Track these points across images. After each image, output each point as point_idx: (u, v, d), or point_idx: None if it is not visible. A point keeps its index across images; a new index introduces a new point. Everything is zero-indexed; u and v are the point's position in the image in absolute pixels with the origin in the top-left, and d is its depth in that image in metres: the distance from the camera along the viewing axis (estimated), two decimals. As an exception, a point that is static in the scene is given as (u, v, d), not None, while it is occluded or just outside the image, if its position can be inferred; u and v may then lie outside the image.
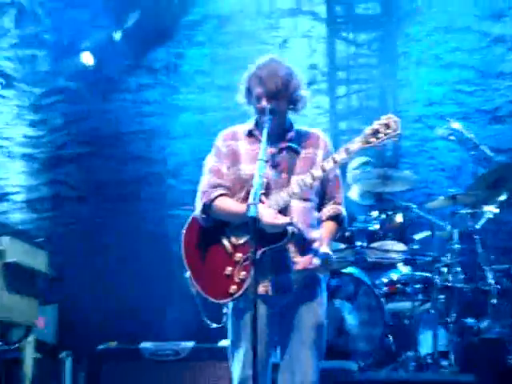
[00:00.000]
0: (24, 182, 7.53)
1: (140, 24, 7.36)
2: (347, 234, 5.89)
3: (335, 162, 3.58)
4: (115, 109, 7.61)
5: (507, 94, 7.18)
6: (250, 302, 3.34)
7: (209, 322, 3.92)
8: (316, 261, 3.59)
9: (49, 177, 7.59)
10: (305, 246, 3.65)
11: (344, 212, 3.83)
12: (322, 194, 3.79)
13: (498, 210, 5.55)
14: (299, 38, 7.56)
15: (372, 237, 6.03)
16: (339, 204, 3.82)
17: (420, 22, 7.42)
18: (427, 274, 5.73)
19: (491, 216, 5.57)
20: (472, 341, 5.25)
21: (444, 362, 5.31)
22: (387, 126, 3.54)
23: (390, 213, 6.08)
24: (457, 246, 5.58)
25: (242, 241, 3.63)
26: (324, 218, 3.78)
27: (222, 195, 3.72)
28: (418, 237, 6.04)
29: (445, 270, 5.61)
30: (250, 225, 3.31)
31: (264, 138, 3.56)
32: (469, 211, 5.67)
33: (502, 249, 6.61)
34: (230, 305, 3.71)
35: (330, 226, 3.77)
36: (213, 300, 3.68)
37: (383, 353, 5.56)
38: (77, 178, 7.58)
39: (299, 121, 3.87)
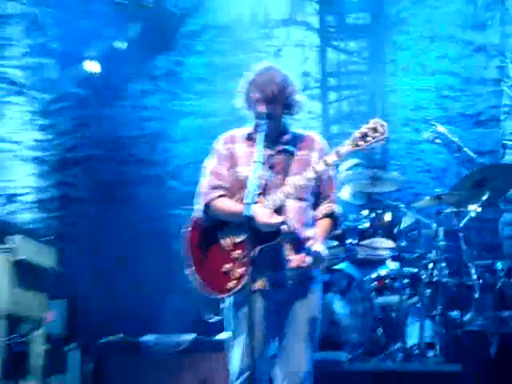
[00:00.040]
0: (34, 184, 7.51)
1: (142, 34, 7.37)
2: (338, 232, 5.88)
3: (326, 164, 3.59)
4: (119, 114, 7.61)
5: (489, 99, 7.21)
6: (248, 296, 3.35)
7: (208, 316, 3.93)
8: (308, 259, 3.59)
9: (57, 178, 7.57)
10: (299, 245, 3.65)
11: (338, 210, 3.84)
12: (317, 194, 3.80)
13: (480, 209, 5.55)
14: (293, 46, 7.59)
15: (362, 234, 6.03)
16: (334, 203, 3.83)
17: (407, 32, 7.45)
18: (414, 270, 5.73)
19: (474, 215, 5.56)
20: (456, 333, 5.24)
21: (430, 353, 5.32)
22: (375, 129, 3.54)
23: (379, 212, 6.09)
24: (442, 243, 5.58)
25: (240, 239, 3.62)
26: (319, 216, 3.79)
27: (221, 196, 3.74)
28: (403, 225, 6.04)
29: (431, 265, 5.62)
30: (245, 224, 3.34)
31: (260, 140, 3.58)
32: (453, 210, 5.67)
33: (484, 245, 6.63)
34: (231, 299, 3.71)
35: (325, 224, 3.78)
36: (213, 295, 3.69)
37: (372, 344, 5.56)
38: (84, 180, 7.57)
39: (293, 125, 3.87)
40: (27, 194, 7.45)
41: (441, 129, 5.95)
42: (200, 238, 3.75)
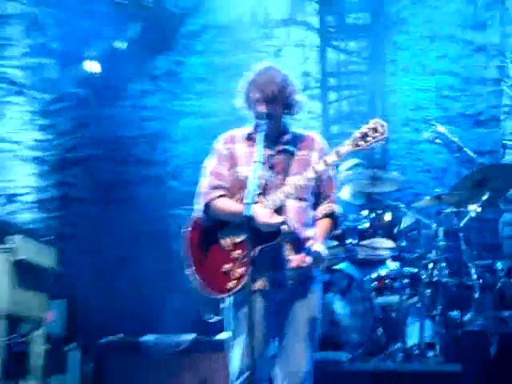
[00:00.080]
0: (34, 184, 7.51)
1: (142, 34, 7.38)
2: (338, 232, 5.88)
3: (326, 164, 3.59)
4: (119, 114, 7.61)
5: (489, 99, 7.20)
6: (248, 296, 3.34)
7: (208, 316, 3.93)
8: (308, 259, 3.59)
9: (57, 178, 7.57)
10: (299, 245, 3.65)
11: (338, 210, 3.83)
12: (317, 194, 3.80)
13: (480, 209, 5.55)
14: (293, 46, 7.59)
15: (362, 234, 6.03)
16: (334, 202, 3.83)
17: (407, 32, 7.45)
18: (414, 270, 5.73)
19: (474, 215, 5.56)
20: (456, 333, 5.24)
21: (430, 353, 5.32)
22: (375, 129, 3.54)
23: (379, 212, 6.08)
24: (442, 243, 5.58)
25: (240, 239, 3.62)
26: (319, 216, 3.78)
27: (221, 196, 3.74)
28: (403, 225, 6.04)
29: (431, 265, 5.62)
30: (245, 224, 3.34)
31: (260, 140, 3.58)
32: (453, 210, 5.67)
33: (484, 245, 6.63)
34: (231, 299, 3.71)
35: (325, 224, 3.78)
36: (213, 295, 3.69)
37: (372, 344, 5.56)
38: (84, 180, 7.57)
39: (293, 125, 3.87)
40: (27, 194, 7.45)
41: (441, 129, 5.95)
42: (200, 238, 3.75)
